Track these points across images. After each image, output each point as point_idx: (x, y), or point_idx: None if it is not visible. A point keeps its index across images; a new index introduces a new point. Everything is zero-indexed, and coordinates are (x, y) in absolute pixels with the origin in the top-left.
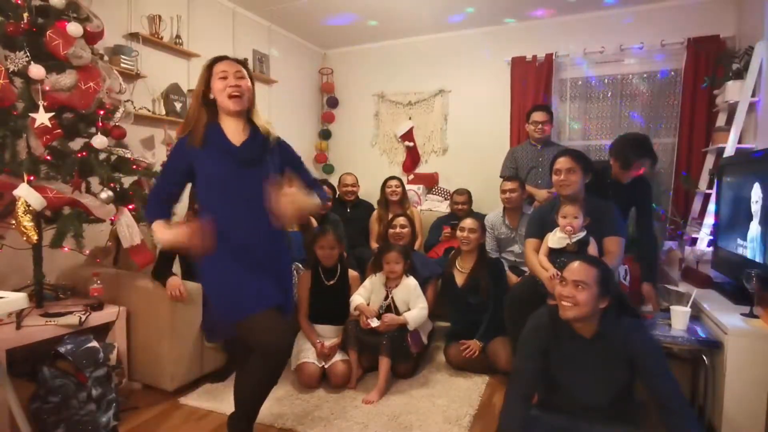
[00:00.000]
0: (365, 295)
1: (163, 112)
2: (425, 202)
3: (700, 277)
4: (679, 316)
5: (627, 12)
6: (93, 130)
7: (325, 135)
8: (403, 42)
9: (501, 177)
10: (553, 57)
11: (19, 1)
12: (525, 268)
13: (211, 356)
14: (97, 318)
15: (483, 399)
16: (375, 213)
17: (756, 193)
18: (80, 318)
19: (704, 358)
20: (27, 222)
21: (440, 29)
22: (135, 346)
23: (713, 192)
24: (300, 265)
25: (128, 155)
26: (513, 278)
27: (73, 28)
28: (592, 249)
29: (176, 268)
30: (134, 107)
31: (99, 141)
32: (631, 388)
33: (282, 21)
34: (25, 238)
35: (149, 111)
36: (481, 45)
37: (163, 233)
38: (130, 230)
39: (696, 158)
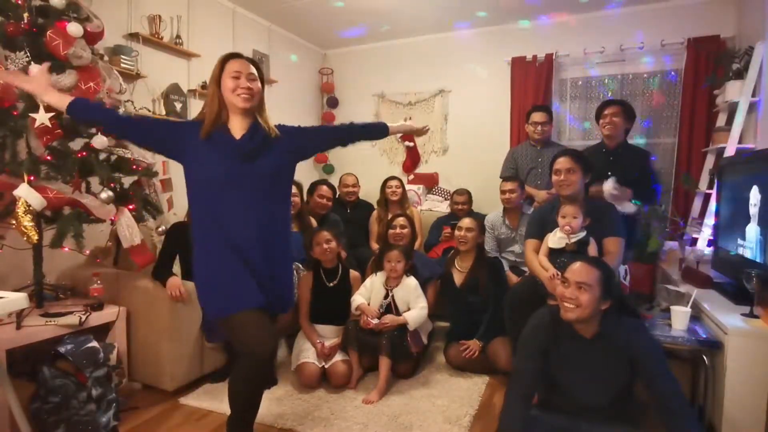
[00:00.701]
0: (366, 294)
1: (164, 112)
2: (425, 202)
3: (700, 278)
4: (680, 316)
5: (627, 12)
6: (93, 130)
7: None
8: (403, 42)
9: (501, 177)
10: (554, 57)
11: (20, 1)
12: (525, 268)
13: (211, 356)
14: (97, 318)
15: (483, 399)
16: (375, 213)
17: (754, 194)
18: (80, 318)
19: (704, 358)
20: (27, 222)
21: (441, 29)
22: (135, 346)
23: (713, 192)
24: (300, 266)
25: (128, 155)
26: (513, 278)
27: (74, 29)
28: (592, 249)
29: (176, 268)
30: (134, 107)
31: (99, 141)
32: (631, 389)
33: (282, 21)
34: (25, 238)
35: (149, 111)
36: (481, 45)
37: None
38: (130, 230)
39: (696, 158)
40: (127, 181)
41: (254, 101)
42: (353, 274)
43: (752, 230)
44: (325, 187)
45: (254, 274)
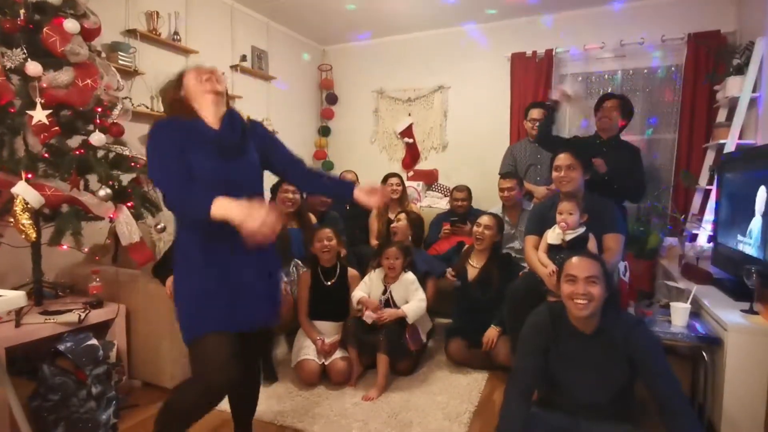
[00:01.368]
0: (366, 290)
1: (161, 109)
2: (425, 199)
3: (700, 274)
4: (679, 312)
5: (627, 7)
6: (91, 127)
7: (325, 132)
8: (403, 38)
9: (499, 175)
10: (553, 53)
11: None
12: (525, 264)
13: None
14: (96, 316)
15: (483, 396)
16: (374, 210)
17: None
18: (79, 316)
19: (704, 354)
20: (25, 220)
21: (440, 25)
22: (135, 344)
23: (713, 188)
24: (300, 262)
25: (126, 152)
26: None
27: (70, 25)
28: (592, 245)
29: None
30: (132, 104)
31: (97, 138)
32: (631, 386)
33: (280, 17)
34: (23, 236)
35: (147, 108)
36: (481, 41)
37: (240, 209)
38: (129, 228)
39: (696, 154)
40: (126, 178)
41: (222, 86)
42: (351, 272)
43: (755, 224)
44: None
45: (241, 293)
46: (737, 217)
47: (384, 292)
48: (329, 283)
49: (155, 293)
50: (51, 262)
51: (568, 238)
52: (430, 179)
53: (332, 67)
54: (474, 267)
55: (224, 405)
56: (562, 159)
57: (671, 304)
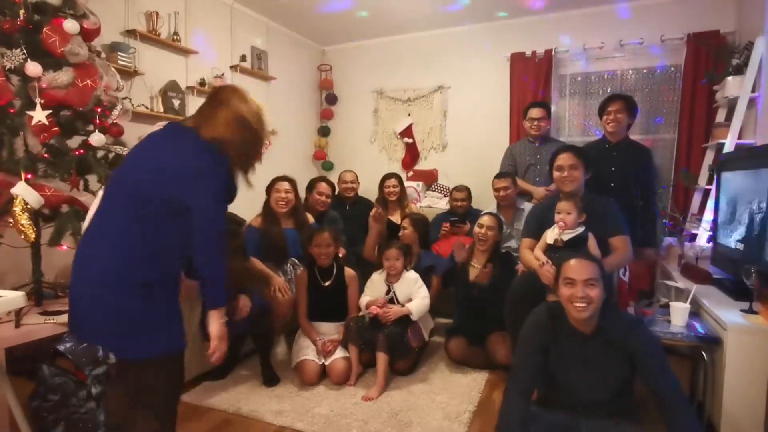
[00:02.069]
0: (370, 294)
1: (161, 110)
2: (424, 199)
3: (699, 273)
4: (679, 312)
5: (627, 7)
6: (91, 127)
7: (324, 132)
8: (402, 38)
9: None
10: (553, 53)
11: None
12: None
13: None
14: None
15: (483, 396)
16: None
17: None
18: None
19: (704, 354)
20: (25, 220)
21: (439, 25)
22: None
23: (713, 188)
24: (297, 261)
25: (125, 153)
26: None
27: (70, 25)
28: (592, 244)
29: None
30: (132, 104)
31: (97, 139)
32: (630, 385)
33: (280, 17)
34: (23, 237)
35: (147, 108)
36: (480, 41)
37: None
38: None
39: (695, 154)
40: None
41: None
42: (349, 273)
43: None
44: (323, 184)
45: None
46: (737, 216)
47: (387, 292)
48: (326, 283)
49: None
50: (51, 263)
51: (565, 237)
52: (429, 179)
53: (332, 67)
54: (475, 267)
55: (224, 405)
56: (565, 158)
57: (671, 303)
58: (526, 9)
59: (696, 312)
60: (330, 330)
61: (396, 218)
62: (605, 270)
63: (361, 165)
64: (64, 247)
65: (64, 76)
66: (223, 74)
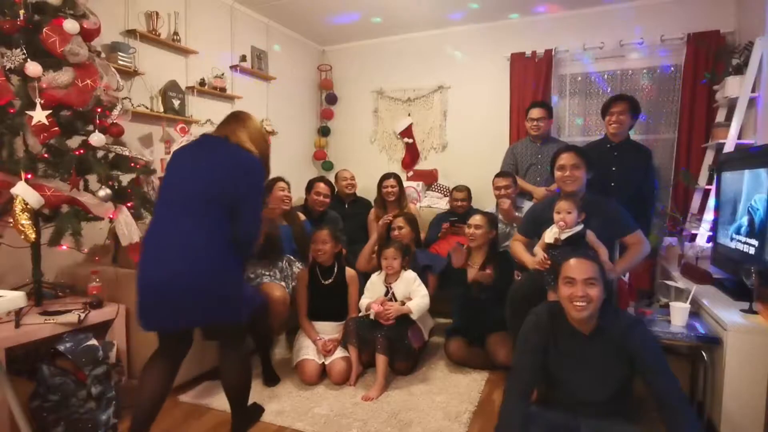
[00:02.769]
0: (369, 296)
1: (161, 110)
2: (424, 199)
3: (699, 273)
4: (679, 312)
5: (627, 7)
6: (91, 127)
7: (324, 132)
8: (402, 38)
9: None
10: (553, 53)
11: None
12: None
13: (211, 354)
14: (96, 316)
15: (482, 396)
16: (372, 212)
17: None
18: (79, 316)
19: (703, 354)
20: (25, 220)
21: (439, 25)
22: (135, 344)
23: (713, 188)
24: (292, 257)
25: (126, 153)
26: None
27: (70, 25)
28: (591, 237)
29: None
30: (132, 104)
31: (97, 139)
32: (629, 384)
33: (280, 17)
34: (23, 237)
35: (147, 108)
36: (480, 41)
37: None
38: (128, 228)
39: (695, 154)
40: (125, 178)
41: None
42: (350, 272)
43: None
44: (322, 184)
45: None
46: (736, 216)
47: (386, 293)
48: (327, 282)
49: None
50: (51, 263)
51: (564, 236)
52: (429, 179)
53: (332, 68)
54: (473, 267)
55: (224, 405)
56: (567, 158)
57: (671, 303)
58: (527, 9)
59: (696, 312)
60: (330, 330)
61: None
62: (630, 265)
63: (361, 165)
64: (64, 247)
65: (64, 76)
66: (223, 74)
